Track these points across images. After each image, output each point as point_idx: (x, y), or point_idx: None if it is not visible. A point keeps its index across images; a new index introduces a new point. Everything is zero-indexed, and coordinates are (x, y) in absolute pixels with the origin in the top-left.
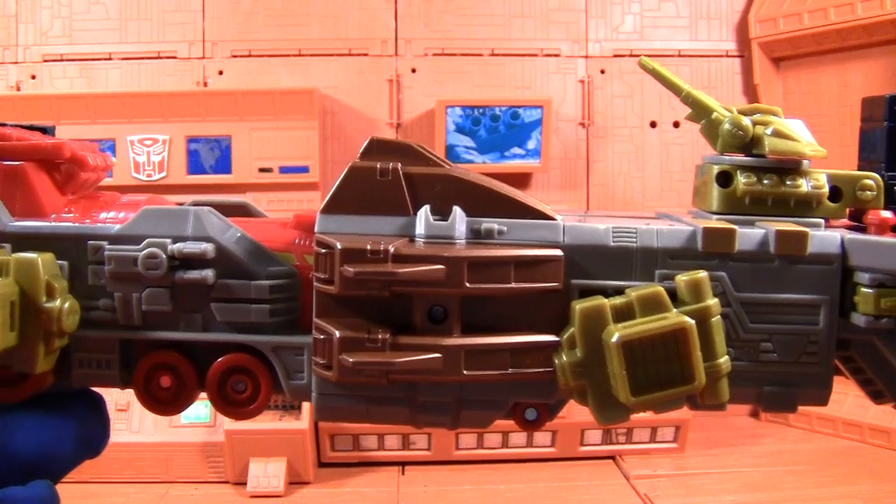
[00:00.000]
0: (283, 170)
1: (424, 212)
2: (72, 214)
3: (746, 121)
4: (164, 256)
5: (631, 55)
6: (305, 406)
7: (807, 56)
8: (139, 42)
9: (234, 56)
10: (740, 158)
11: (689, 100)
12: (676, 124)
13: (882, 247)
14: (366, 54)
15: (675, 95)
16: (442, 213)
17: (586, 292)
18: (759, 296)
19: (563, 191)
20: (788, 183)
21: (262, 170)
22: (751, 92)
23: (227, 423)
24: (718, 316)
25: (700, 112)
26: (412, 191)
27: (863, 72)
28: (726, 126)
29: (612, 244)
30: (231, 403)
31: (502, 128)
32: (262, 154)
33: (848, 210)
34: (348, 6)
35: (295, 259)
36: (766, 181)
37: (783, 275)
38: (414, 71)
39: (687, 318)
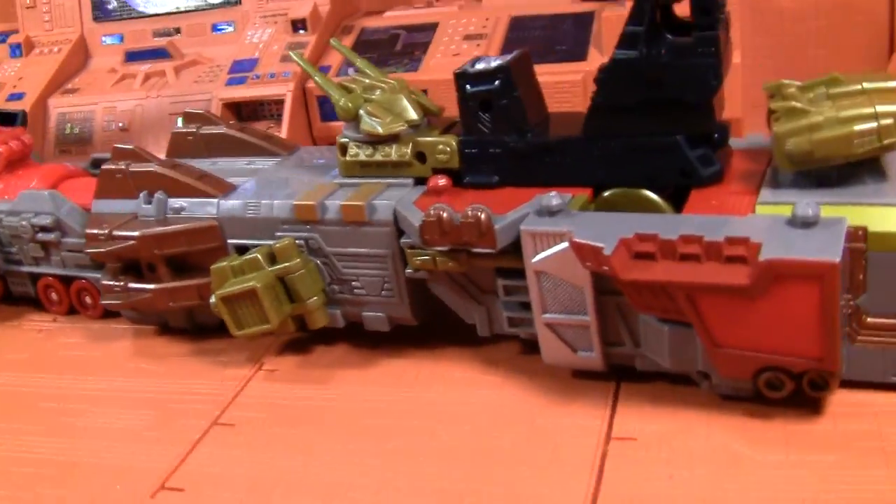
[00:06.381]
0: None
1: (142, 197)
2: None
3: (346, 103)
4: (30, 225)
5: None
6: None
7: None
8: None
9: None
10: (352, 134)
11: (318, 83)
12: None
13: (406, 220)
14: None
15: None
16: (153, 195)
17: (239, 248)
18: (343, 250)
19: None
20: (381, 153)
21: None
22: None
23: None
24: (302, 270)
25: (328, 93)
26: (137, 182)
27: None
28: (339, 105)
29: (248, 215)
30: (83, 307)
31: None
32: None
33: (432, 170)
34: None
35: None
36: (366, 153)
37: (356, 235)
38: None
39: (256, 283)
